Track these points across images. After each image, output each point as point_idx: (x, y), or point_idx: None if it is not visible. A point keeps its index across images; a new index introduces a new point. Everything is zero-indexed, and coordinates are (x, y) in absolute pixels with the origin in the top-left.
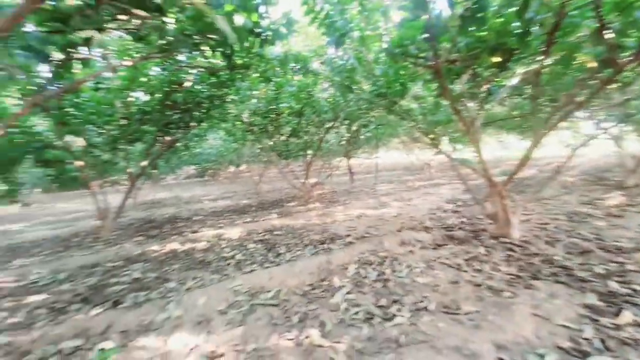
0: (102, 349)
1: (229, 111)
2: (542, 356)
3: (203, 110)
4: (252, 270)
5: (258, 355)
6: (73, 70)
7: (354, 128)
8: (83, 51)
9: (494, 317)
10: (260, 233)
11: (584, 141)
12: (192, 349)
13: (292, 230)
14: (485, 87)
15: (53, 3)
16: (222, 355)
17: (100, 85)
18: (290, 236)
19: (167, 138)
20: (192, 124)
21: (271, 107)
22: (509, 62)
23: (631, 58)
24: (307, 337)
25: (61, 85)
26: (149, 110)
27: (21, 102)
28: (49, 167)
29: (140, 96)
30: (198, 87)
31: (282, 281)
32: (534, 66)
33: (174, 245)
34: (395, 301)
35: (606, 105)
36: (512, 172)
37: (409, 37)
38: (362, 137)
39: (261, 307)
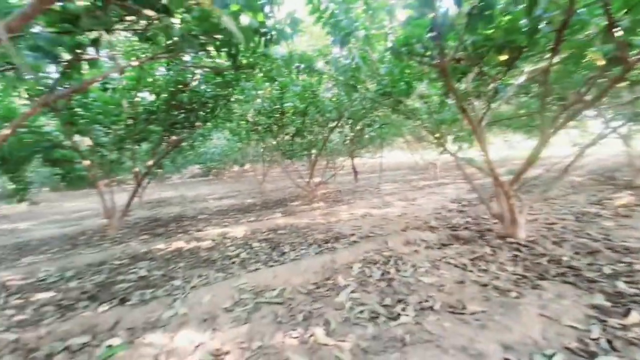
0: (110, 346)
1: (233, 111)
2: (549, 357)
3: (208, 110)
4: (256, 269)
5: (263, 353)
6: (81, 71)
7: (358, 127)
8: (91, 52)
9: (501, 317)
10: (265, 232)
11: (592, 140)
12: (197, 346)
13: (296, 230)
14: (492, 86)
15: (61, 4)
16: (227, 352)
17: (107, 86)
18: (294, 235)
19: (173, 138)
20: (197, 123)
21: (275, 106)
22: (517, 60)
23: None
24: (311, 336)
25: (69, 86)
26: (155, 110)
27: (29, 102)
28: (57, 166)
29: (147, 96)
30: (203, 87)
31: (287, 280)
32: (542, 64)
33: (179, 243)
34: (400, 300)
35: (615, 103)
36: (519, 172)
37: (415, 36)
38: (366, 136)
39: (266, 305)
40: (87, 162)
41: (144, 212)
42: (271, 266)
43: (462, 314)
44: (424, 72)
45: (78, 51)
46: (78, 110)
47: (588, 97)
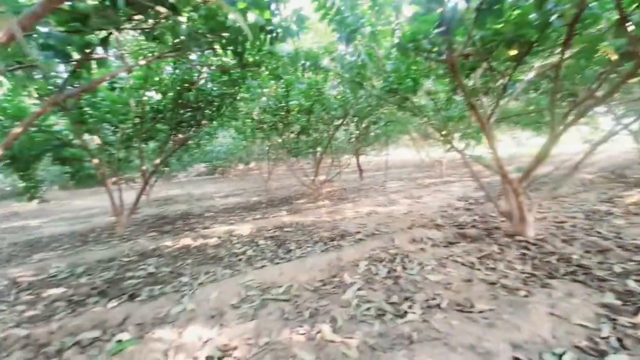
0: (120, 340)
1: (239, 109)
2: (559, 355)
3: (214, 109)
4: (262, 266)
5: (270, 349)
6: (91, 71)
7: (363, 125)
8: (99, 51)
9: (509, 316)
10: (270, 230)
11: (603, 137)
12: (205, 342)
13: (302, 227)
14: (501, 82)
15: (70, 3)
16: (235, 348)
17: (115, 85)
18: (300, 233)
19: (179, 136)
20: (203, 122)
21: (281, 104)
22: (527, 56)
23: None
24: (318, 332)
25: (79, 85)
26: (161, 109)
27: (39, 102)
28: (67, 164)
29: (154, 95)
30: (209, 85)
31: (293, 277)
32: (552, 59)
33: (186, 240)
34: (406, 298)
35: (626, 99)
36: (529, 169)
37: (422, 31)
38: (371, 134)
39: (272, 302)
40: (96, 161)
41: (152, 210)
42: (277, 263)
43: (470, 312)
44: (431, 68)
45: (87, 50)
46: (87, 109)
47: (599, 93)
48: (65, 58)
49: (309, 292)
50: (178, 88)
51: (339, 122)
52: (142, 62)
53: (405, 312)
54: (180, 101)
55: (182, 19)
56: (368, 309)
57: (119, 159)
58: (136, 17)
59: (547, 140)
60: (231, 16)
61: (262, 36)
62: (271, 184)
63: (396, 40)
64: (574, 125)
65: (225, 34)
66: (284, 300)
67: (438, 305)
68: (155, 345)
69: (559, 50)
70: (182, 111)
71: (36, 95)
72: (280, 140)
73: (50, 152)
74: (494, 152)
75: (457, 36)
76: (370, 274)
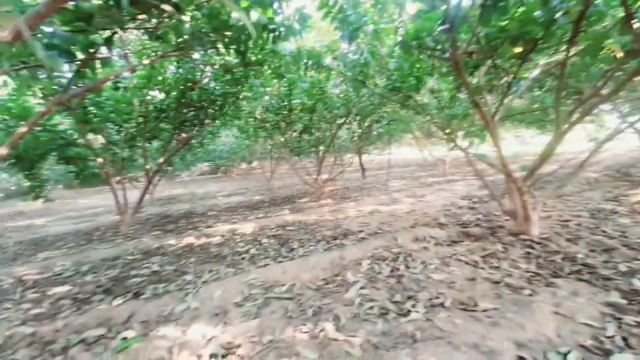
0: (125, 338)
1: (242, 108)
2: (563, 354)
3: (217, 108)
4: (266, 265)
5: (274, 347)
6: (95, 70)
7: (366, 124)
8: (103, 51)
9: (514, 315)
10: (273, 228)
11: (608, 136)
12: (209, 340)
13: (305, 226)
14: (505, 79)
15: (74, 3)
16: (238, 346)
17: (119, 85)
18: (302, 232)
19: (183, 135)
20: (206, 121)
21: (283, 103)
22: (531, 53)
23: None
24: (322, 331)
25: (83, 85)
26: (165, 109)
27: (44, 101)
28: (71, 164)
29: (157, 95)
30: (212, 84)
31: (296, 275)
32: (557, 57)
33: (190, 239)
34: (410, 297)
35: (632, 97)
36: (533, 167)
37: (425, 29)
38: (374, 133)
39: (276, 301)
40: (100, 160)
41: (155, 209)
42: (280, 262)
43: (474, 311)
44: (435, 66)
45: (91, 50)
46: (91, 108)
47: (604, 91)
48: (70, 58)
49: (312, 291)
50: (181, 87)
51: (342, 120)
52: (146, 62)
53: (409, 311)
54: (183, 100)
55: (186, 18)
56: (371, 307)
57: (123, 158)
58: (140, 17)
59: (552, 139)
60: (234, 15)
61: (264, 35)
62: (274, 183)
63: (399, 38)
64: (579, 124)
65: (228, 33)
66: (287, 299)
67: (442, 304)
68: (160, 342)
69: (564, 47)
70: (185, 110)
71: (41, 95)
72: (282, 139)
73: (55, 152)
74: (498, 151)
75: (461, 33)
76: (373, 273)
